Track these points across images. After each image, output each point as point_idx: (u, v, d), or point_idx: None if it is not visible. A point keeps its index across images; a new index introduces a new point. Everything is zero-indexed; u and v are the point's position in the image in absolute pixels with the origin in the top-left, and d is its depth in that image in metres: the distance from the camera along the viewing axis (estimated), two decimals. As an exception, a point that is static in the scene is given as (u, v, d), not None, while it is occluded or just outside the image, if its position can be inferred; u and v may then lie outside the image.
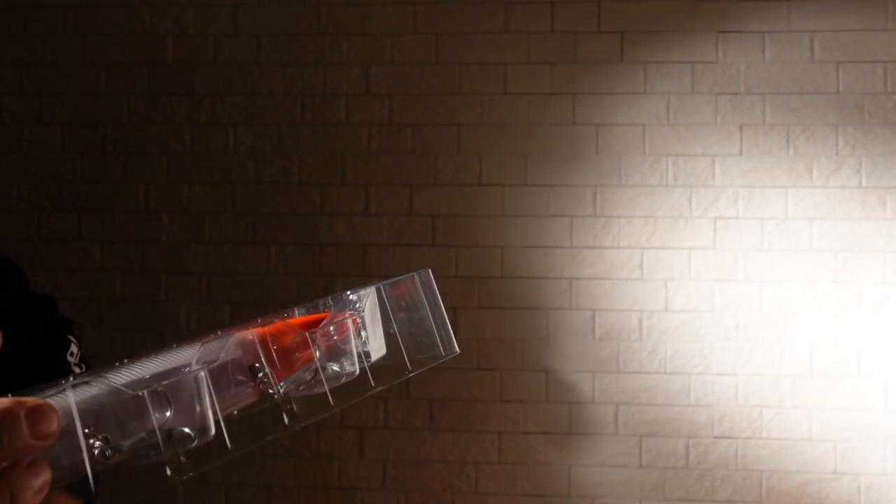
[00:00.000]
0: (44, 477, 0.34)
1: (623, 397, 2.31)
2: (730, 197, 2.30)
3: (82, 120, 2.44)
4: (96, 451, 0.39)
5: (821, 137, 2.29)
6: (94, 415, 0.39)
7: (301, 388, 0.49)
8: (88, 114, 2.44)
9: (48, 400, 0.35)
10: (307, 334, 0.49)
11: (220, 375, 0.45)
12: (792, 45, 2.30)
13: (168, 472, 0.42)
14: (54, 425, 0.34)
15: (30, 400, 0.34)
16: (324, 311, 0.53)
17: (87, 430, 0.38)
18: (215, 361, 0.46)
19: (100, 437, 0.39)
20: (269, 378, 0.47)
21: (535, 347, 2.33)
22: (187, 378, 0.44)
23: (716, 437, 2.28)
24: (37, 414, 0.33)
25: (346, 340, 0.52)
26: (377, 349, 0.54)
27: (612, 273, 2.32)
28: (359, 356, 0.52)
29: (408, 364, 0.54)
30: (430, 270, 0.57)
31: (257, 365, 0.47)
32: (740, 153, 2.30)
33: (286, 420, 0.47)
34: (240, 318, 2.39)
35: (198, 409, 0.43)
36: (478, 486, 2.33)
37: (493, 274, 2.35)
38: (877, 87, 2.28)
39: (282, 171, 2.40)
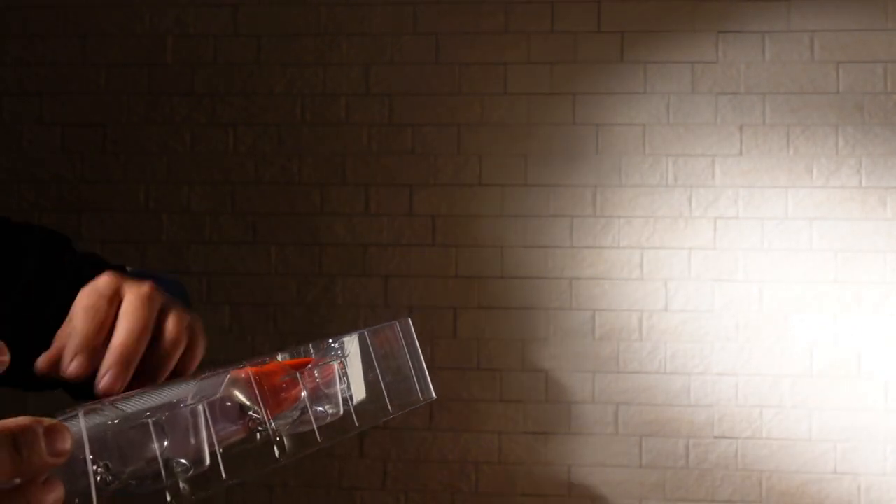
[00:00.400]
0: (57, 493, 0.36)
1: (623, 397, 2.31)
2: (730, 197, 2.30)
3: (82, 120, 2.44)
4: (98, 478, 0.40)
5: (821, 137, 2.29)
6: (97, 442, 0.41)
7: (287, 426, 0.52)
8: (88, 114, 2.44)
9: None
10: (297, 374, 0.52)
11: (213, 411, 0.48)
12: (792, 45, 2.30)
13: (168, 497, 0.44)
14: (68, 444, 0.36)
15: (46, 419, 0.36)
16: (306, 357, 0.56)
17: (91, 457, 0.40)
18: (210, 397, 0.48)
19: (101, 463, 0.41)
20: (259, 416, 0.50)
21: (535, 347, 2.33)
22: (185, 411, 0.46)
23: (716, 437, 2.28)
24: (53, 432, 0.35)
25: (331, 384, 0.55)
26: (358, 393, 0.57)
27: (612, 273, 2.32)
28: (343, 400, 0.55)
29: (388, 406, 0.57)
30: (409, 319, 0.60)
31: (248, 403, 0.50)
32: (740, 153, 2.30)
33: (277, 454, 0.50)
34: (240, 319, 2.40)
35: (193, 441, 0.45)
36: (478, 486, 2.34)
37: (493, 274, 2.35)
38: (877, 87, 2.28)
39: (282, 171, 2.40)
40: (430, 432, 2.35)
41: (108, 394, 0.48)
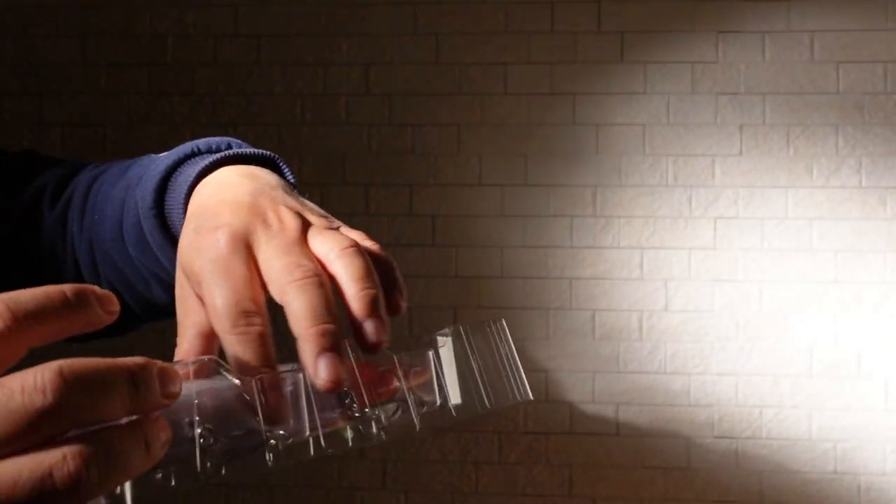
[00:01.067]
0: (168, 432, 0.37)
1: (623, 397, 2.31)
2: (730, 197, 2.30)
3: (82, 120, 2.44)
4: (202, 440, 0.41)
5: (821, 137, 2.29)
6: (204, 404, 0.42)
7: (385, 416, 0.52)
8: (88, 114, 2.44)
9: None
10: (395, 364, 0.52)
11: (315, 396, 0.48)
12: (792, 45, 2.30)
13: (268, 457, 0.45)
14: (178, 387, 0.37)
15: (158, 361, 0.37)
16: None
17: (197, 419, 0.41)
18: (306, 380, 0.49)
19: (204, 426, 0.41)
20: (356, 405, 0.50)
21: (535, 347, 2.33)
22: (286, 379, 0.46)
23: (716, 437, 2.28)
24: (165, 374, 0.36)
25: (427, 376, 0.55)
26: (453, 386, 0.57)
27: (612, 273, 2.32)
28: (439, 392, 0.56)
29: (486, 401, 0.57)
30: (503, 320, 0.61)
31: (346, 391, 0.50)
32: (740, 153, 2.31)
33: (375, 431, 0.50)
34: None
35: (293, 423, 0.46)
36: (478, 486, 2.34)
37: (493, 274, 2.35)
38: (877, 87, 2.28)
39: (282, 171, 2.40)
40: (430, 432, 2.35)
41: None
